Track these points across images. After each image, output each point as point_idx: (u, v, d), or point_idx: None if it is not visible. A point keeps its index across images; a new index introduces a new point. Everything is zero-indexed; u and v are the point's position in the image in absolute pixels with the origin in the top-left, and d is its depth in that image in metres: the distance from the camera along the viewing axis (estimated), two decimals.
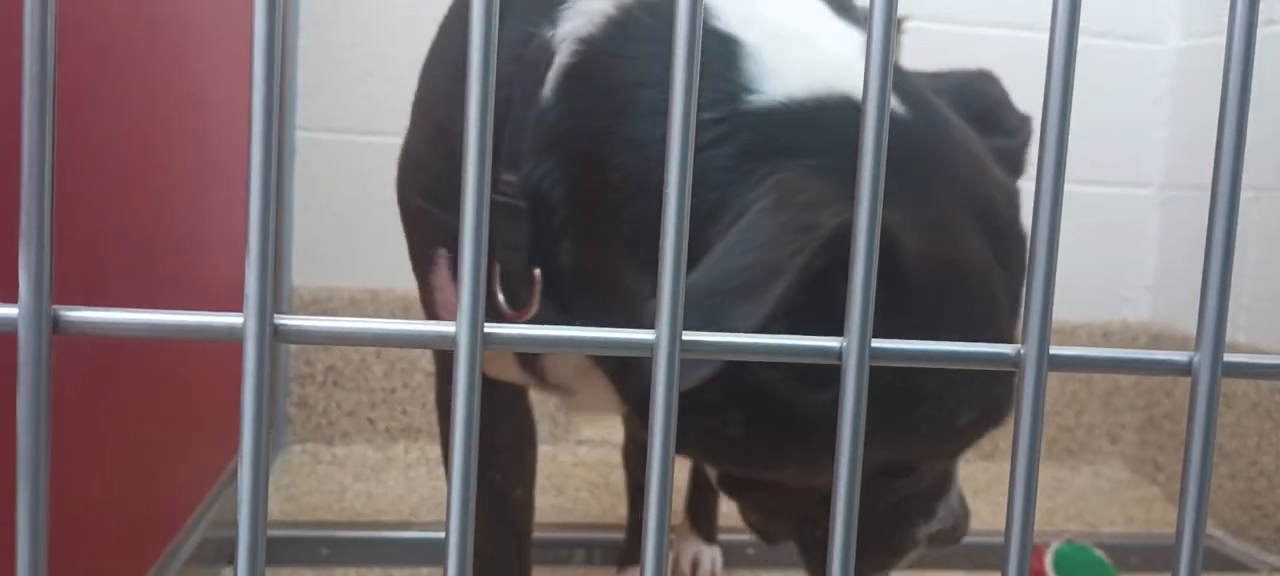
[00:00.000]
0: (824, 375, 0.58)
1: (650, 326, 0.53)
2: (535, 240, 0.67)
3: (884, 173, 0.31)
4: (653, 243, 0.61)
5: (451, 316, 0.78)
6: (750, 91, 0.61)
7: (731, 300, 0.52)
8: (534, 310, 0.68)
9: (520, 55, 0.68)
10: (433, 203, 0.76)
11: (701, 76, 0.62)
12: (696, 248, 0.59)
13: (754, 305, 0.52)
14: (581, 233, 0.66)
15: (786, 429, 0.62)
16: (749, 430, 0.63)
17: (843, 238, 0.53)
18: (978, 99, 0.73)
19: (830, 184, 0.57)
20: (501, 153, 0.67)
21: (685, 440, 0.67)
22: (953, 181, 0.62)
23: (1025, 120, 0.74)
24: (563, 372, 0.78)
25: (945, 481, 0.73)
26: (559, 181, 0.65)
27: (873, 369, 0.57)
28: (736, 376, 0.58)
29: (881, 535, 0.72)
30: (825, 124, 0.61)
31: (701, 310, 0.52)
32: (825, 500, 0.70)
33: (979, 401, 0.63)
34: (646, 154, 0.62)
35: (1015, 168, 0.70)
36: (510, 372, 0.83)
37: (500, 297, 0.70)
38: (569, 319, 0.69)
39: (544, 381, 0.81)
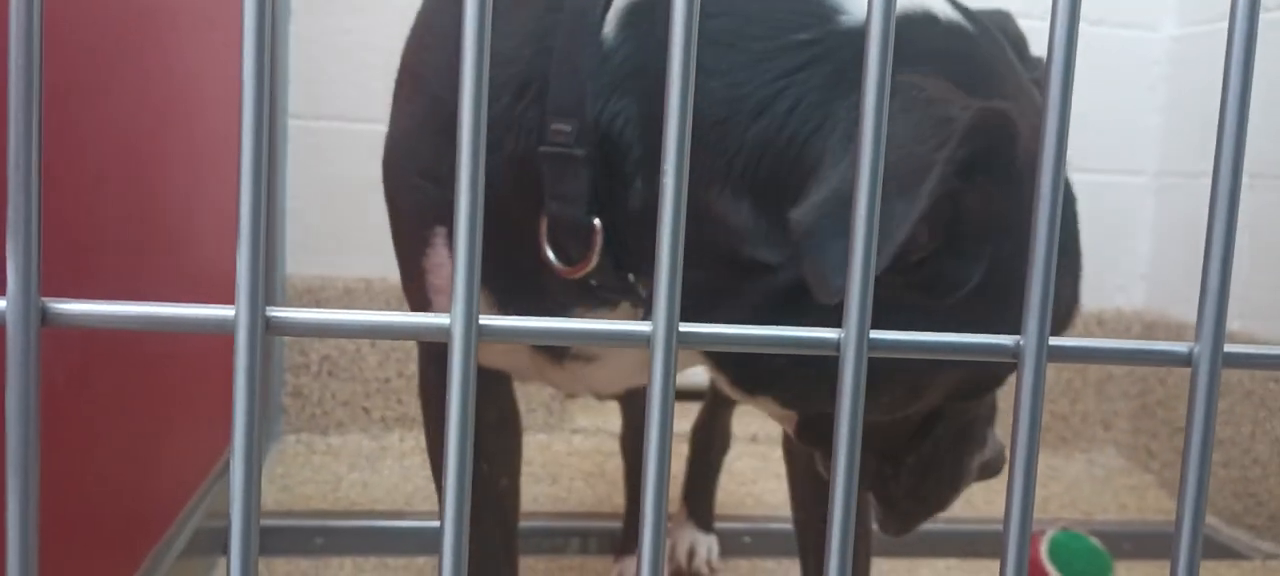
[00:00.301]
0: (943, 281, 0.59)
1: (800, 236, 0.53)
2: (594, 188, 0.66)
3: (883, 161, 0.31)
4: (749, 166, 0.61)
5: (445, 300, 0.77)
6: (841, 12, 0.63)
7: (887, 198, 0.53)
8: (592, 264, 0.67)
9: (557, 5, 0.68)
10: (429, 179, 0.75)
11: (790, 1, 0.63)
12: (801, 165, 0.60)
13: (909, 201, 0.52)
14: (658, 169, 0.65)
15: None
16: None
17: (977, 129, 0.54)
18: (1001, 29, 0.76)
19: (945, 83, 0.58)
20: (548, 103, 0.67)
21: (788, 380, 0.67)
22: (1019, 89, 0.65)
23: (1039, 60, 0.76)
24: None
25: (992, 409, 0.75)
26: (632, 120, 0.65)
27: (976, 291, 0.59)
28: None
29: (944, 468, 0.72)
30: (915, 37, 0.63)
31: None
32: (914, 434, 0.70)
33: (1058, 303, 0.65)
34: (731, 80, 0.62)
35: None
36: (515, 359, 0.82)
37: (549, 254, 0.69)
38: (632, 270, 0.68)
39: (561, 356, 0.80)
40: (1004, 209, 0.59)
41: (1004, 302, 0.59)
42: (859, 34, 0.62)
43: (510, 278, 0.74)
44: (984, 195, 0.58)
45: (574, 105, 0.66)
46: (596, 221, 0.66)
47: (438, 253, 0.76)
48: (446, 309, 0.77)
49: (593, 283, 0.69)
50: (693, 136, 0.62)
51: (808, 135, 0.60)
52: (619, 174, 0.66)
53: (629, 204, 0.66)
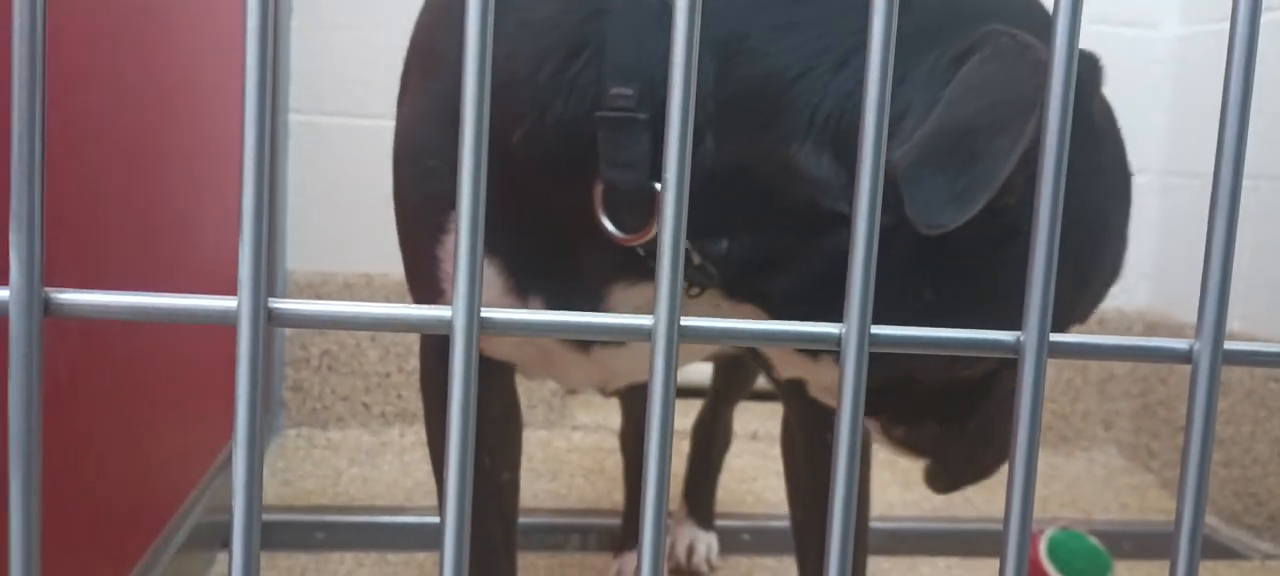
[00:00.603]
0: (1025, 227, 0.61)
1: (900, 176, 0.54)
2: (657, 153, 0.65)
3: (883, 167, 0.31)
4: (831, 118, 0.61)
5: None
6: None
7: (989, 136, 0.54)
8: (653, 232, 0.66)
9: None
10: (447, 163, 0.73)
11: None
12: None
13: (1012, 137, 0.53)
14: (733, 123, 0.64)
15: (978, 290, 0.63)
16: (941, 299, 0.63)
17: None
18: None
19: (1028, 35, 0.60)
20: (606, 65, 0.66)
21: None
22: None
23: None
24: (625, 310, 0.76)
25: None
26: (707, 75, 0.64)
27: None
28: (934, 238, 0.58)
29: (997, 429, 0.73)
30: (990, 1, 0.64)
31: (961, 149, 0.54)
32: (977, 390, 0.70)
33: (1113, 256, 0.68)
34: (812, 33, 0.62)
35: None
36: (524, 350, 0.81)
37: (606, 223, 0.67)
38: (689, 236, 0.67)
39: (588, 343, 0.79)
40: (1079, 158, 0.61)
41: (1072, 254, 0.61)
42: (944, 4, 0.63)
43: (539, 253, 0.72)
44: (1072, 141, 0.59)
45: (636, 67, 0.64)
46: (658, 187, 0.65)
47: (453, 241, 0.75)
48: None
49: (641, 252, 0.68)
50: (772, 92, 0.63)
51: (891, 88, 0.61)
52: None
53: (702, 162, 0.65)
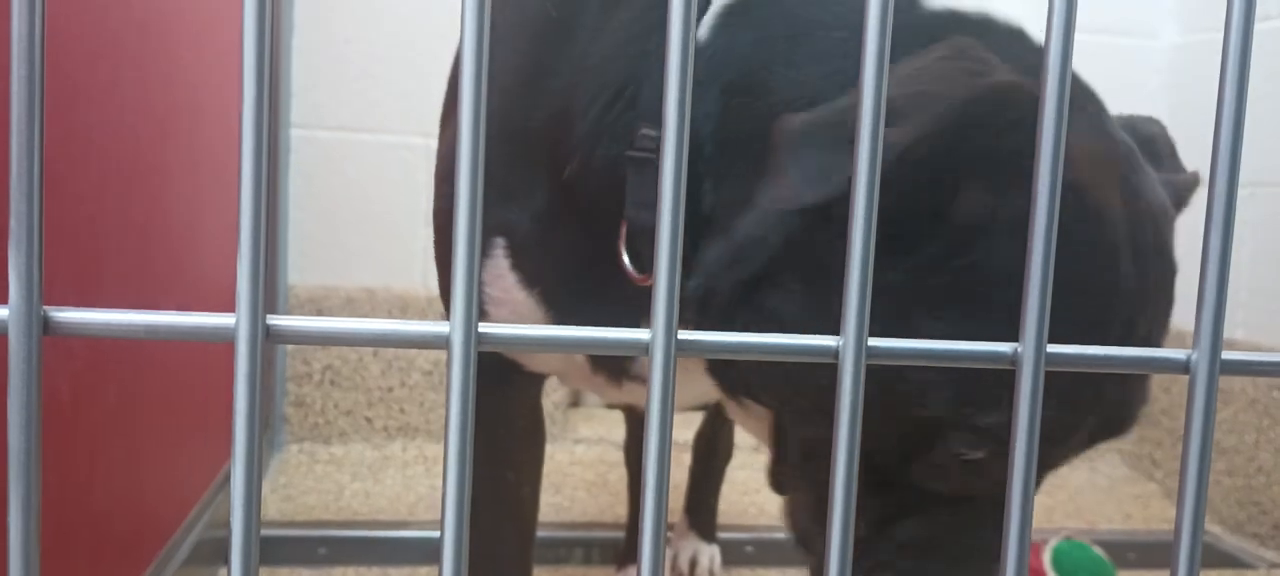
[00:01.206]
0: (892, 239, 0.56)
1: (782, 141, 0.52)
2: None
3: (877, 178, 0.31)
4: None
5: (505, 313, 0.76)
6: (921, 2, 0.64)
7: (888, 120, 0.53)
8: None
9: (657, 5, 0.68)
10: (493, 186, 0.74)
11: None
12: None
13: (905, 132, 0.52)
14: (734, 165, 0.63)
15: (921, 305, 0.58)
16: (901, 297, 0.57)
17: (1005, 98, 0.53)
18: (1140, 128, 0.74)
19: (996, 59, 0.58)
20: (640, 107, 0.66)
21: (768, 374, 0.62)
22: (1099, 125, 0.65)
23: (1192, 174, 0.75)
24: None
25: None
26: (710, 116, 0.64)
27: (933, 268, 0.57)
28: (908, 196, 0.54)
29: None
30: (991, 28, 0.63)
31: (845, 129, 0.51)
32: (910, 485, 0.61)
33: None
34: (821, 65, 0.61)
35: (1177, 199, 0.70)
36: (570, 362, 0.81)
37: (626, 261, 0.68)
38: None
39: (619, 375, 0.79)
40: (992, 201, 0.55)
41: (971, 300, 0.56)
42: (936, 17, 0.62)
43: (578, 287, 0.73)
44: (981, 185, 0.55)
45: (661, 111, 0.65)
46: None
47: (496, 264, 0.75)
48: (504, 320, 0.76)
49: None
50: (763, 136, 0.62)
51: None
52: (692, 174, 0.64)
53: (699, 206, 0.64)
